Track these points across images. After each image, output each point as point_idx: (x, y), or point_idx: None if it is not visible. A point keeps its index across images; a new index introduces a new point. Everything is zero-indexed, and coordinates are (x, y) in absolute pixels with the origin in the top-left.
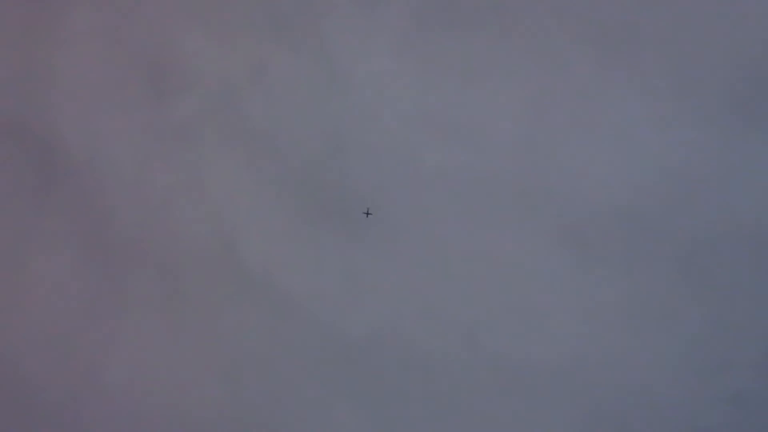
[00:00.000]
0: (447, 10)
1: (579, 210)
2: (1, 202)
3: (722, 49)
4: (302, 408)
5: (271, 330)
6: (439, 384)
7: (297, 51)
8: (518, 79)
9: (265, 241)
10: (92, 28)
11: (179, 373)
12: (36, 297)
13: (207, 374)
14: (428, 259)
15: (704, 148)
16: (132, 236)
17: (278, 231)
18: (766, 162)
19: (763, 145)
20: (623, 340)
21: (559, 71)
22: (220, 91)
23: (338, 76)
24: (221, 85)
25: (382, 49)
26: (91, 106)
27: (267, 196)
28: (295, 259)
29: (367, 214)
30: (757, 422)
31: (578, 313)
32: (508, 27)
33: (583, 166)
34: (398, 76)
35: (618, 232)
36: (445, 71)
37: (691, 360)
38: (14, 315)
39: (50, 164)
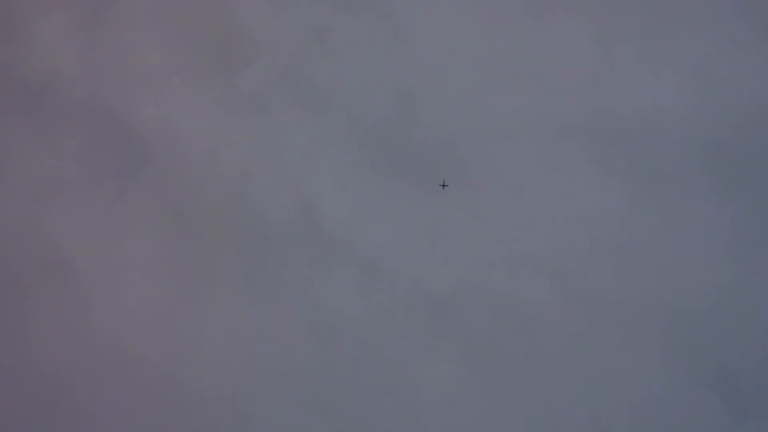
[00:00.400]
0: None
1: (659, 145)
2: (85, 188)
3: None
4: (395, 367)
5: (358, 291)
6: (531, 334)
7: (358, 11)
8: (583, 17)
9: (345, 204)
10: (156, 6)
11: (273, 343)
12: (129, 280)
13: (300, 341)
14: (507, 207)
15: None
16: (214, 210)
17: (357, 192)
18: None
19: None
20: (716, 271)
21: (625, 5)
22: (287, 59)
23: (401, 31)
24: (287, 52)
25: (442, 0)
26: (164, 84)
27: (342, 158)
28: (375, 219)
29: (444, 185)
30: None
31: (666, 248)
32: None
33: (656, 101)
34: (461, 26)
35: (700, 165)
36: (507, 15)
37: None
38: (111, 300)
39: (129, 147)
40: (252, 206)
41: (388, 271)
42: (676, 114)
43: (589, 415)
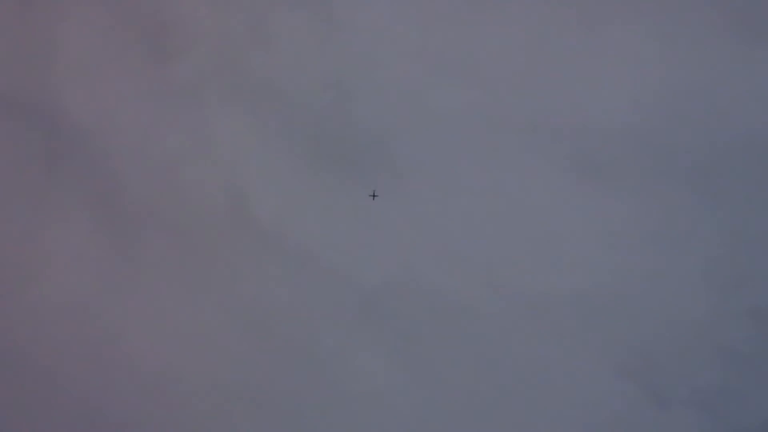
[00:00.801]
0: None
1: (587, 137)
2: (11, 176)
3: None
4: (325, 358)
5: (288, 283)
6: (461, 324)
7: (294, 3)
8: (520, 14)
9: (277, 195)
10: None
11: (200, 330)
12: (54, 267)
13: (228, 332)
14: (440, 201)
15: (706, 64)
16: (143, 200)
17: (289, 184)
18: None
19: (763, 57)
20: (642, 261)
21: (560, 1)
22: (222, 49)
23: (338, 24)
24: (222, 42)
25: None
26: (93, 73)
27: (275, 149)
28: (307, 211)
29: (373, 196)
30: None
31: (595, 241)
32: None
33: (589, 93)
34: (397, 20)
35: (628, 156)
36: (444, 11)
37: (710, 277)
38: (34, 287)
39: (57, 135)
40: (183, 196)
41: (320, 264)
42: (605, 106)
43: (515, 403)
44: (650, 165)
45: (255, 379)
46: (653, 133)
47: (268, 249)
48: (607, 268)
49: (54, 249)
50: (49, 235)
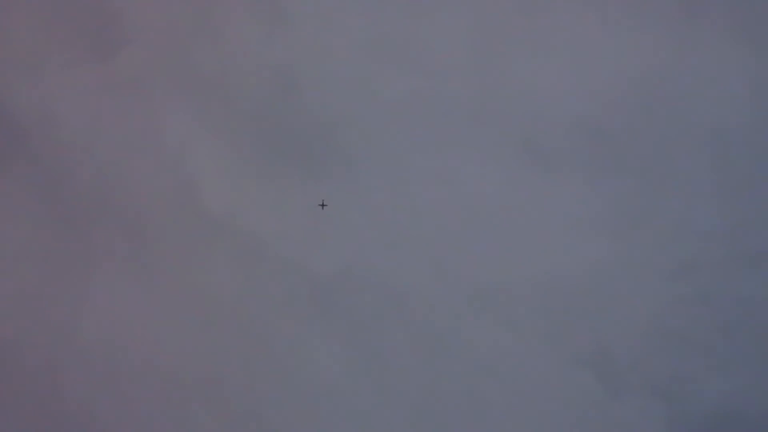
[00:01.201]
0: None
1: (537, 125)
2: None
3: None
4: (278, 349)
5: (240, 273)
6: (413, 315)
7: None
8: (464, 1)
9: (227, 185)
10: None
11: (153, 323)
12: (1, 263)
13: (181, 322)
14: (391, 189)
15: (658, 53)
16: (92, 193)
17: (239, 173)
18: (719, 63)
19: (715, 47)
20: (593, 250)
21: None
22: (166, 40)
23: (283, 12)
24: (167, 33)
25: None
26: (35, 68)
27: (224, 139)
28: (258, 200)
29: (323, 206)
30: (721, 320)
31: (547, 229)
32: None
33: (537, 80)
34: (344, 8)
35: (577, 144)
36: None
37: (657, 263)
38: None
39: (2, 130)
40: (131, 187)
41: (270, 254)
42: (553, 93)
43: (468, 394)
44: (601, 153)
45: (208, 369)
46: (604, 121)
47: (219, 239)
48: (559, 257)
49: (1, 243)
50: None
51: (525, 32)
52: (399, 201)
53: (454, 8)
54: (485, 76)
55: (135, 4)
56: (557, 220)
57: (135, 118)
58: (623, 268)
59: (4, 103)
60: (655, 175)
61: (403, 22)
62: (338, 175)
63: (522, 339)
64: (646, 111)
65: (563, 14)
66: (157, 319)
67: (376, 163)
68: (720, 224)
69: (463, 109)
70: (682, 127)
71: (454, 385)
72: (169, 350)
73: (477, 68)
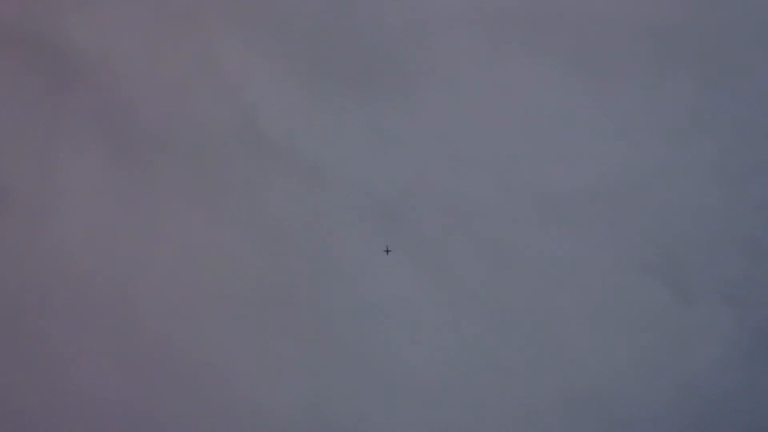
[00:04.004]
0: None
1: (591, 30)
2: (20, 110)
3: None
4: (345, 268)
5: (305, 196)
6: (478, 228)
7: None
8: None
9: (287, 110)
10: None
11: (222, 250)
12: (73, 200)
13: (249, 247)
14: (448, 104)
15: None
16: (154, 125)
17: (298, 98)
18: None
19: None
20: (658, 153)
21: None
22: None
23: None
24: None
25: None
26: (96, 2)
27: (281, 64)
28: (318, 124)
29: (387, 251)
30: None
31: (606, 134)
32: None
33: None
34: None
35: (635, 47)
36: None
37: (725, 166)
38: (56, 220)
39: (63, 66)
40: (193, 119)
41: (332, 176)
42: None
43: (537, 303)
44: (657, 54)
45: (279, 290)
46: (658, 21)
47: (281, 164)
48: (618, 162)
49: (68, 181)
50: (62, 167)
51: None
52: (457, 117)
53: None
54: None
55: None
56: (619, 125)
57: (191, 47)
58: (690, 173)
59: (66, 37)
60: (720, 75)
61: None
62: (396, 95)
63: (589, 248)
64: (707, 7)
65: None
66: (226, 245)
67: (433, 80)
68: None
69: (518, 17)
70: (742, 27)
71: (523, 297)
72: (240, 274)
73: None
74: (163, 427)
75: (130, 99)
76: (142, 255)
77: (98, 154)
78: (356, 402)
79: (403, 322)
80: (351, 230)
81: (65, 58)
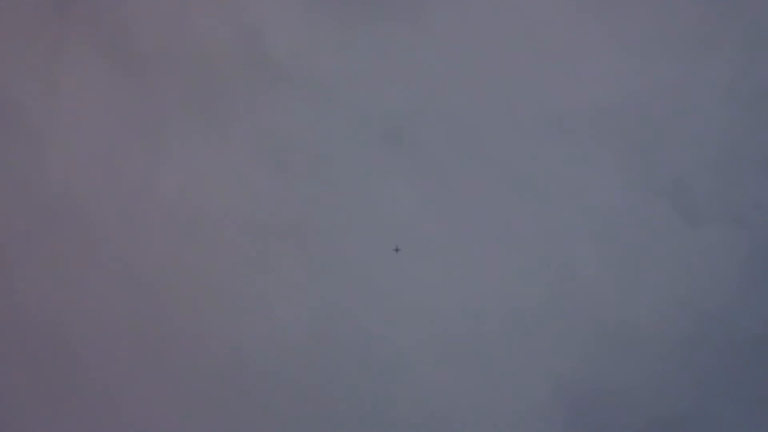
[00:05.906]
0: None
1: None
2: (22, 28)
3: None
4: (354, 189)
5: (312, 116)
6: (487, 148)
7: None
8: None
9: (292, 29)
10: None
11: (228, 173)
12: (78, 122)
13: (256, 169)
14: (458, 24)
15: None
16: (157, 43)
17: (302, 16)
18: None
19: None
20: (666, 73)
21: None
22: None
23: None
24: None
25: None
26: None
27: None
28: (324, 42)
29: (396, 250)
30: None
31: (613, 53)
32: None
33: None
34: None
35: None
36: None
37: (735, 88)
38: (62, 144)
39: None
40: (195, 37)
41: (340, 96)
42: None
43: (546, 226)
44: None
45: (286, 214)
46: None
47: (288, 84)
48: (628, 83)
49: (73, 103)
50: (66, 89)
51: None
52: (465, 35)
53: None
54: None
55: None
56: (629, 42)
57: None
58: (699, 94)
59: None
60: None
61: None
62: (404, 13)
63: (599, 171)
64: None
65: None
66: (232, 167)
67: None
68: None
69: None
70: None
71: (531, 218)
72: (246, 198)
73: None
74: (172, 337)
75: (132, 15)
76: (146, 178)
77: (101, 71)
78: (362, 319)
79: (410, 240)
80: (358, 151)
81: None
